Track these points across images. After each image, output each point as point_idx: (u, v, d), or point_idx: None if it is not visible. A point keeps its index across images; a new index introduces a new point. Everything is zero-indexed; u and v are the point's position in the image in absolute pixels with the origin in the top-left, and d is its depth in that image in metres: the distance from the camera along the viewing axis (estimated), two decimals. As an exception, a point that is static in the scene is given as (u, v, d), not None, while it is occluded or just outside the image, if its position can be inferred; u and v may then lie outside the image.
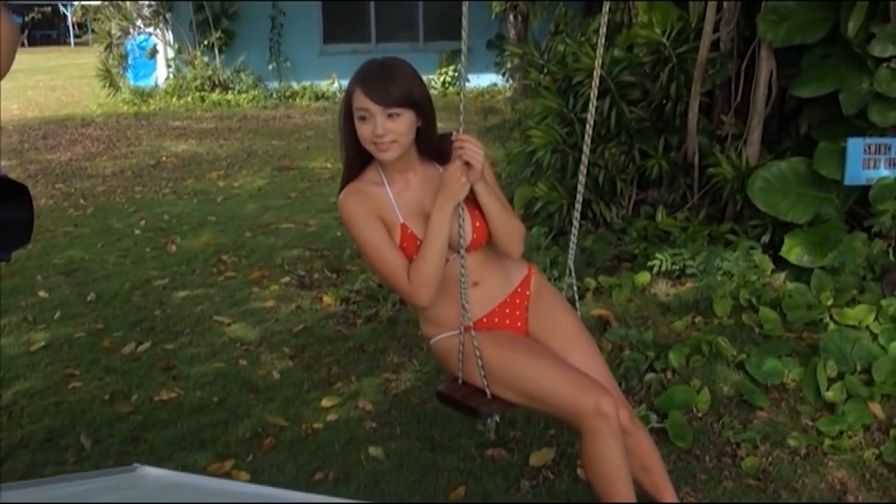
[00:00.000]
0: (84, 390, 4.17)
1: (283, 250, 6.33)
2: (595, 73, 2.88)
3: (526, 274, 2.74)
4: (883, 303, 4.40)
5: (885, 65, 4.82)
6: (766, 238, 5.17)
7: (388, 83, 2.41)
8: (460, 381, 2.62)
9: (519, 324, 2.69)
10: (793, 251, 4.92)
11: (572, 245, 2.92)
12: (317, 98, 16.06)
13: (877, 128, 4.99)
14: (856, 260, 4.66)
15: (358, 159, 2.55)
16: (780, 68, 5.53)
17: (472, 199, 2.52)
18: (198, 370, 4.35)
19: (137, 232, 7.00)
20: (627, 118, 5.71)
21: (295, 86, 16.34)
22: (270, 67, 16.22)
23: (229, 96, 15.35)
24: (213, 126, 12.85)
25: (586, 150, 2.88)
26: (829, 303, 4.51)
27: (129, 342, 4.70)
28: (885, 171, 4.93)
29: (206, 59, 15.64)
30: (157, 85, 16.14)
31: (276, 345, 4.62)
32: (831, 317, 4.44)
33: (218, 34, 15.55)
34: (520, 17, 13.78)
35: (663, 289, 5.07)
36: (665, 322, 4.64)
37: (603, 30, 2.86)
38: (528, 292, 2.72)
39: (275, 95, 15.89)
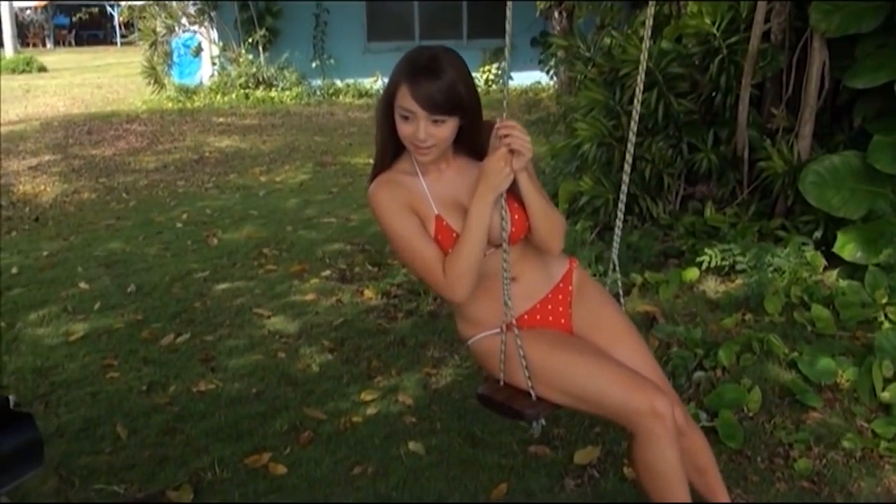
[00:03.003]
0: (121, 381, 4.15)
1: (324, 244, 6.28)
2: (641, 65, 2.76)
3: (567, 268, 2.60)
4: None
5: (945, 54, 4.66)
6: (818, 234, 5.02)
7: (436, 86, 2.25)
8: (502, 382, 2.49)
9: (562, 320, 2.56)
10: (846, 248, 4.77)
11: (616, 239, 2.81)
12: (360, 95, 16.07)
13: (936, 120, 4.83)
14: (913, 254, 4.49)
15: (392, 149, 2.42)
16: (832, 59, 5.37)
17: (511, 191, 2.38)
18: (236, 362, 4.31)
19: (179, 225, 7.00)
20: (675, 111, 5.58)
21: (339, 83, 16.36)
22: (314, 65, 16.24)
23: (273, 93, 15.40)
24: (256, 122, 12.89)
25: (632, 142, 2.76)
26: (884, 301, 4.36)
27: (168, 333, 4.68)
28: (943, 166, 4.76)
29: (250, 56, 15.70)
30: (201, 83, 16.23)
31: (316, 338, 4.57)
32: (886, 315, 4.29)
33: (262, 32, 15.59)
34: (564, 14, 13.66)
35: (712, 285, 4.94)
36: (714, 319, 4.51)
37: (649, 22, 2.74)
38: (570, 287, 2.59)
39: (318, 93, 15.92)
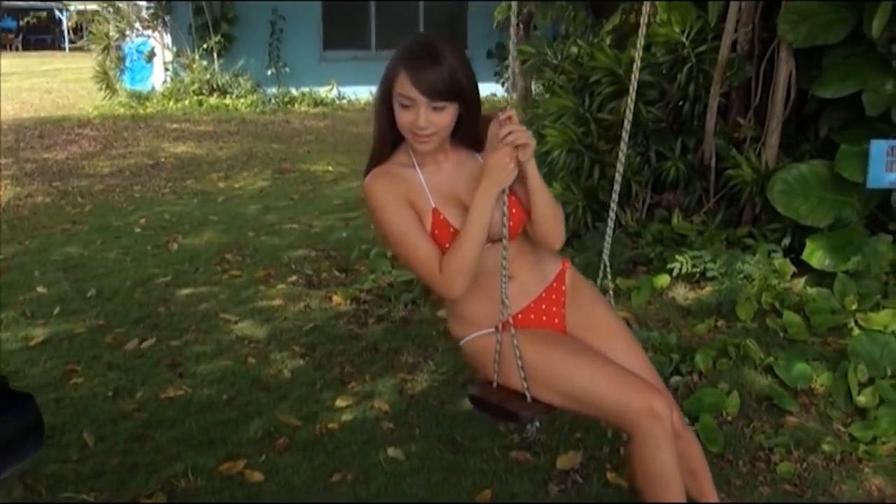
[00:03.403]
0: (86, 386, 4.02)
1: (289, 250, 6.19)
2: (634, 74, 2.78)
3: (560, 268, 2.57)
4: (910, 308, 4.30)
5: (910, 65, 4.73)
6: (786, 241, 5.05)
7: (437, 73, 2.22)
8: (495, 384, 2.43)
9: (556, 320, 2.52)
10: (814, 255, 4.82)
11: (607, 240, 2.79)
12: (315, 104, 15.95)
13: (900, 130, 4.90)
14: (880, 264, 4.54)
15: (390, 140, 2.37)
16: (799, 70, 5.43)
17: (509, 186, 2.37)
18: (205, 368, 4.21)
19: (137, 230, 6.85)
20: (644, 118, 5.59)
21: (294, 91, 16.22)
22: (269, 72, 16.09)
23: (227, 101, 15.20)
24: (211, 129, 12.71)
25: (623, 152, 2.76)
26: (854, 307, 4.41)
27: (133, 338, 4.55)
28: (908, 175, 4.82)
29: (204, 63, 15.50)
30: (153, 88, 15.97)
31: (286, 343, 4.48)
32: (856, 322, 4.33)
33: (217, 38, 15.41)
34: (521, 26, 13.74)
35: (682, 292, 4.95)
36: (686, 325, 4.51)
37: (643, 30, 2.73)
38: (563, 287, 2.55)
39: (273, 101, 15.76)
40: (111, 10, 15.72)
